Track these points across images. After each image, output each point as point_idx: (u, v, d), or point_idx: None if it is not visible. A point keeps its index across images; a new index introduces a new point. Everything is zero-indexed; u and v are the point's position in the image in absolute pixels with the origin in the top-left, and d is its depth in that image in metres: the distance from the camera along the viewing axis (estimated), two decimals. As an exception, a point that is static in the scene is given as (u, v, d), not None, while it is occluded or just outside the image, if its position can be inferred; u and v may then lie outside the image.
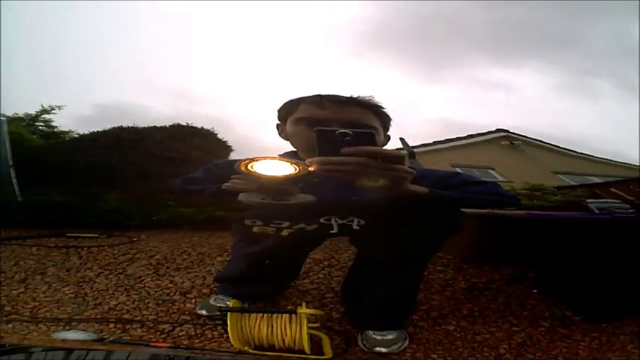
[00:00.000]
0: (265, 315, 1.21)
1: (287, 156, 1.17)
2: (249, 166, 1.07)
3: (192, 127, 2.36)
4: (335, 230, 1.28)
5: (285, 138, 1.37)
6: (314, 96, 1.31)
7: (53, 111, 2.65)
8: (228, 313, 1.21)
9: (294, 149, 1.35)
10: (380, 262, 1.32)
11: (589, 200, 1.54)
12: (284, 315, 1.20)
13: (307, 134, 1.22)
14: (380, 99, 1.32)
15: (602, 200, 1.55)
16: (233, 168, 1.09)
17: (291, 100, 1.35)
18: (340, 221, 1.27)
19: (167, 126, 2.36)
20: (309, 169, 1.03)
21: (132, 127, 2.30)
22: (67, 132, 2.71)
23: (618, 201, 1.53)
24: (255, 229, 1.30)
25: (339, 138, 1.02)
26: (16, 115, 2.58)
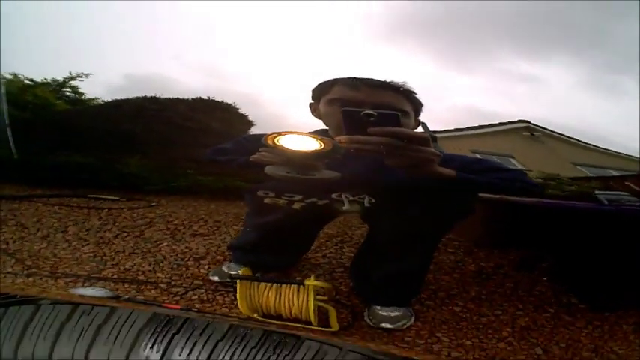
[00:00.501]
0: (274, 284, 1.24)
1: (318, 134, 1.17)
2: (275, 140, 1.10)
3: (214, 100, 2.37)
4: (346, 207, 1.30)
5: (318, 117, 1.38)
6: (349, 78, 1.32)
7: (79, 78, 2.67)
8: (238, 281, 1.24)
9: (326, 128, 1.36)
10: (389, 240, 1.34)
11: (598, 192, 1.54)
12: (292, 285, 1.23)
13: (339, 115, 1.24)
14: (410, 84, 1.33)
15: (611, 192, 1.55)
16: (261, 141, 1.11)
17: (325, 81, 1.36)
18: (351, 198, 1.29)
19: (189, 98, 2.36)
20: (341, 144, 1.05)
21: (154, 97, 2.31)
22: (94, 99, 2.73)
23: (627, 194, 1.53)
24: (266, 201, 1.33)
25: (365, 118, 1.04)
26: (44, 80, 2.60)
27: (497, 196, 1.43)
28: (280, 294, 1.22)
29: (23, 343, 1.34)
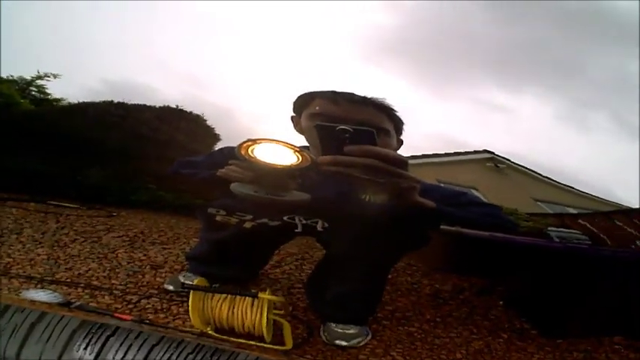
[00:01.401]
0: (228, 296, 1.22)
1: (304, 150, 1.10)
2: (249, 150, 1.03)
3: (181, 109, 2.33)
4: (299, 229, 1.29)
5: (300, 132, 1.35)
6: (328, 92, 1.30)
7: (47, 77, 2.62)
8: (191, 292, 1.21)
9: (307, 145, 1.34)
10: (344, 263, 1.33)
11: (550, 228, 1.60)
12: (246, 298, 1.21)
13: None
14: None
15: (563, 230, 1.61)
16: (233, 153, 1.05)
17: (305, 94, 1.34)
18: (304, 221, 1.28)
19: (156, 106, 2.33)
20: (322, 166, 1.01)
21: (120, 103, 2.27)
22: (60, 100, 2.68)
23: (578, 232, 1.59)
24: (218, 218, 1.31)
25: (340, 135, 0.99)
26: (10, 77, 2.55)
27: (453, 228, 1.45)
28: (234, 306, 1.20)
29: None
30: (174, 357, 1.04)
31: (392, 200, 1.07)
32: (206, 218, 1.38)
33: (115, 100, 2.27)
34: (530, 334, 1.48)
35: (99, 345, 1.09)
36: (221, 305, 1.21)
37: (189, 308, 1.20)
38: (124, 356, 1.06)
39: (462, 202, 1.33)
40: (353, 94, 1.29)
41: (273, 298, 1.21)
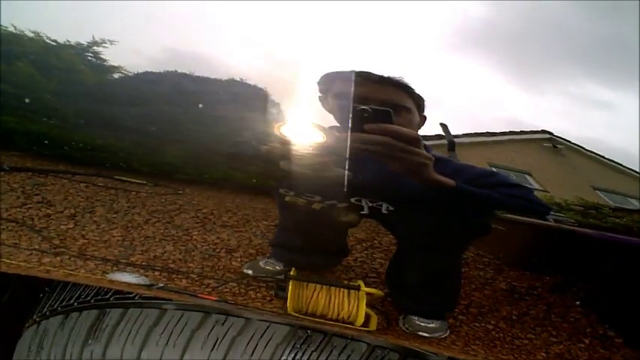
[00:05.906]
0: (324, 286, 1.22)
1: (333, 130, 1.18)
2: (280, 129, 1.10)
3: (246, 83, 2.30)
4: (365, 212, 1.29)
5: (329, 111, 1.37)
6: (348, 72, 1.26)
7: (104, 44, 2.59)
8: (291, 281, 1.22)
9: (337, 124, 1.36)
10: (409, 251, 1.34)
11: None
12: (342, 289, 1.21)
13: (340, 110, 1.24)
14: (468, 94, 1.31)
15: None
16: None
17: (327, 74, 1.35)
18: (370, 204, 1.28)
19: (223, 79, 2.29)
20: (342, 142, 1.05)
21: (190, 75, 2.24)
22: (117, 67, 2.63)
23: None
24: (287, 199, 1.33)
25: (360, 114, 1.07)
26: (67, 43, 2.51)
27: (553, 224, 1.42)
28: (331, 296, 1.21)
29: (148, 348, 1.32)
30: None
31: (410, 177, 1.12)
32: (279, 199, 1.40)
33: (179, 71, 2.23)
34: (614, 342, 1.44)
35: None
36: (318, 295, 1.21)
37: (289, 296, 1.21)
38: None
39: (492, 182, 1.32)
40: (371, 73, 1.29)
41: (372, 291, 1.22)
